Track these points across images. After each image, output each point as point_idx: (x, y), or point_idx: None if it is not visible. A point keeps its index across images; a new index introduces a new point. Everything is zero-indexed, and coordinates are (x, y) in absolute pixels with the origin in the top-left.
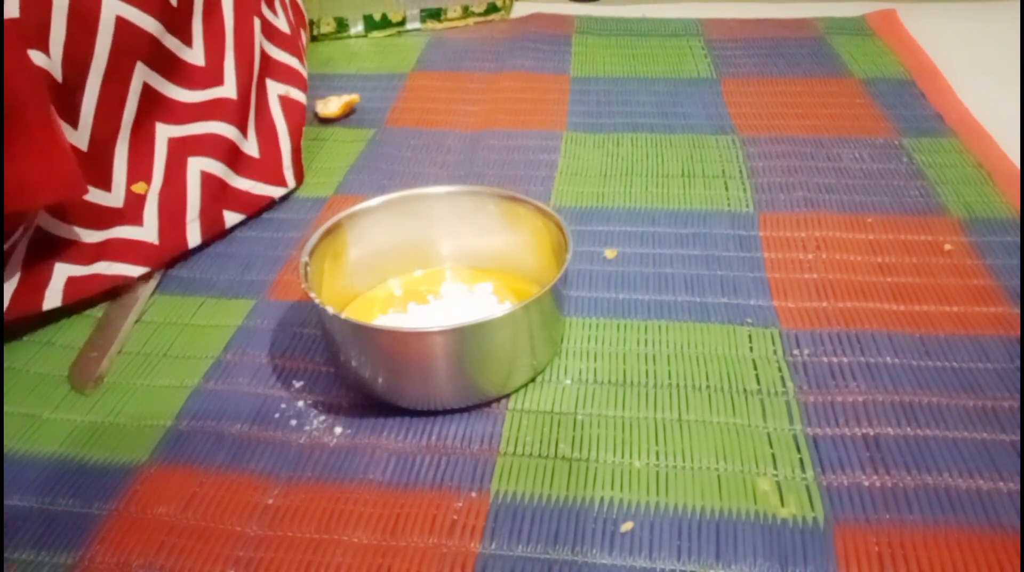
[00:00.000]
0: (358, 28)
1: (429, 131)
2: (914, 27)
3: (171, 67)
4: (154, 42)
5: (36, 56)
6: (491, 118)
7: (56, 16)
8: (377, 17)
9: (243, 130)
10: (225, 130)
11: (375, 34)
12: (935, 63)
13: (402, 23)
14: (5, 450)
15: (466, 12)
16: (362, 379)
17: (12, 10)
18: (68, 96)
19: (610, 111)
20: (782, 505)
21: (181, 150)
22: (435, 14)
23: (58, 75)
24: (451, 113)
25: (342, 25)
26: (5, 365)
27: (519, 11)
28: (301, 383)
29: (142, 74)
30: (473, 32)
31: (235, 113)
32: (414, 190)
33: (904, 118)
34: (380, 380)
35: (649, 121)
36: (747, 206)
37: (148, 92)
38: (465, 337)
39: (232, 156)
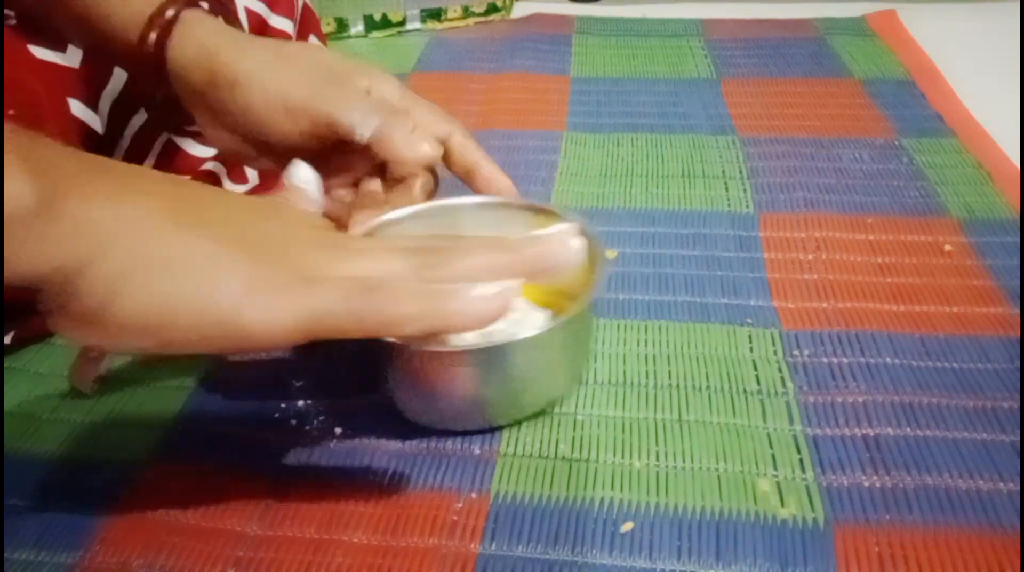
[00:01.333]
0: (358, 28)
1: None
2: (914, 27)
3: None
4: None
5: (75, 106)
6: (491, 118)
7: (117, 74)
8: (377, 17)
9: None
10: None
11: (375, 34)
12: (935, 63)
13: (402, 23)
14: (5, 450)
15: (466, 12)
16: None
17: (73, 61)
18: (101, 143)
19: (610, 111)
20: (782, 505)
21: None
22: (435, 14)
23: (100, 128)
24: (451, 113)
25: (342, 25)
26: (5, 365)
27: (519, 11)
28: (301, 383)
29: (167, 132)
30: (473, 32)
31: None
32: (442, 201)
33: (904, 118)
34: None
35: (649, 121)
36: (747, 206)
37: (169, 145)
38: (507, 354)
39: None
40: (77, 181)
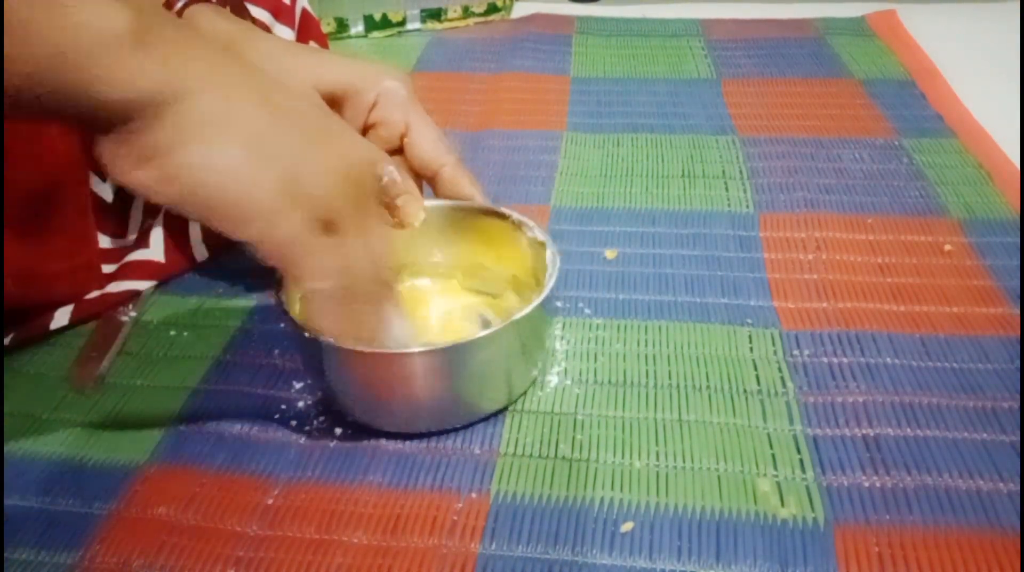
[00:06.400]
0: (358, 28)
1: None
2: (914, 27)
3: None
4: None
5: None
6: (491, 118)
7: None
8: (377, 17)
9: None
10: None
11: (375, 34)
12: (935, 63)
13: (402, 23)
14: (5, 450)
15: (466, 12)
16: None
17: None
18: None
19: (610, 111)
20: (782, 505)
21: None
22: (435, 14)
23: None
24: (451, 113)
25: (342, 25)
26: (5, 365)
27: (519, 11)
28: (301, 384)
29: None
30: (473, 32)
31: None
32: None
33: (904, 119)
34: (359, 402)
35: (649, 121)
36: (747, 207)
37: None
38: (451, 357)
39: None
40: (168, 20)
